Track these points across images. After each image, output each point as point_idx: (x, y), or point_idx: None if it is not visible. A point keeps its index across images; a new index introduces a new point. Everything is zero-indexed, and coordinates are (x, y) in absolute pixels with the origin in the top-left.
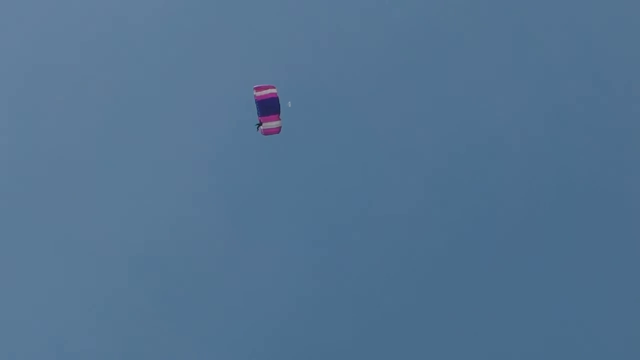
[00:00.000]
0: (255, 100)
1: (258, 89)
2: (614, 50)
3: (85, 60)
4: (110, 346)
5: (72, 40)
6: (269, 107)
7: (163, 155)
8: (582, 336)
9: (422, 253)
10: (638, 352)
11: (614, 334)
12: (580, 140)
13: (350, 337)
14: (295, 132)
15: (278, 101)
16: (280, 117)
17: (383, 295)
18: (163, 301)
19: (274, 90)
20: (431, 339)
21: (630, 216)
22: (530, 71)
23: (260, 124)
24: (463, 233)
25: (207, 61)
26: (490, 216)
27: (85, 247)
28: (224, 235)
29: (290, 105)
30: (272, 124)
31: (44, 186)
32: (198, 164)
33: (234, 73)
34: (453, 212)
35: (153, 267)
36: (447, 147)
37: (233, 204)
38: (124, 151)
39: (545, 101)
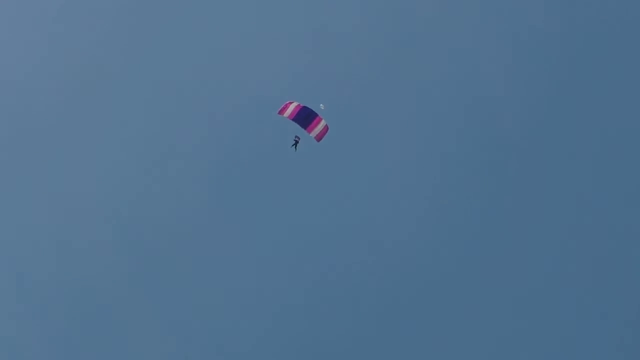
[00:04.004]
0: (290, 119)
1: (282, 111)
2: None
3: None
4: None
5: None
6: (306, 117)
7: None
8: None
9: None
10: None
11: None
12: None
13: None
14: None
15: (308, 108)
16: (321, 115)
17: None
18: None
19: (296, 103)
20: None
21: None
22: None
23: (296, 142)
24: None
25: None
26: None
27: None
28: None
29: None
30: (320, 127)
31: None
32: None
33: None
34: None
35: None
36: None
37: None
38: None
39: None
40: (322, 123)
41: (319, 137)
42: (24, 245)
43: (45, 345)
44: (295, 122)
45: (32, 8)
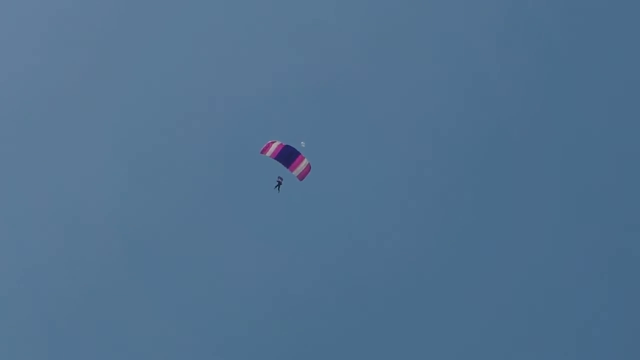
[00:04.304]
0: (273, 158)
1: (264, 150)
2: None
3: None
4: None
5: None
6: (288, 155)
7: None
8: None
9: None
10: None
11: None
12: None
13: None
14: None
15: (290, 147)
16: (303, 154)
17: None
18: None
19: (278, 143)
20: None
21: None
22: None
23: (279, 184)
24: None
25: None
26: None
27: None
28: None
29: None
30: (302, 166)
31: None
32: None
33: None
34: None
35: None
36: None
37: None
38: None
39: None
40: (305, 162)
41: (301, 176)
42: (20, 241)
43: (39, 336)
44: (278, 160)
45: (28, 7)
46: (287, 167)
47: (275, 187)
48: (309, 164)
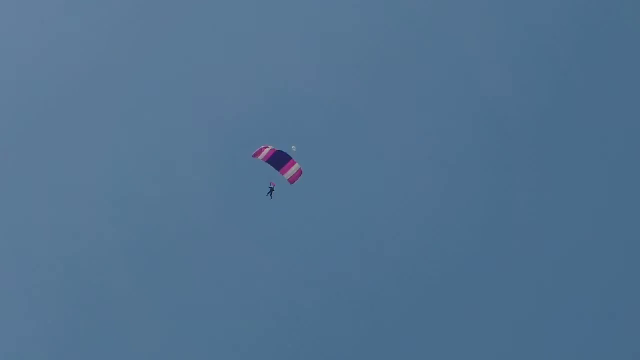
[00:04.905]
0: (264, 161)
1: (257, 154)
2: None
3: None
4: None
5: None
6: (280, 159)
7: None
8: None
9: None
10: None
11: None
12: None
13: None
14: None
15: (282, 152)
16: (295, 159)
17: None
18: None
19: (271, 147)
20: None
21: None
22: None
23: (272, 190)
24: None
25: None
26: None
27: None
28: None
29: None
30: (293, 170)
31: None
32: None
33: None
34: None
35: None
36: None
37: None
38: None
39: None
40: (296, 166)
41: (292, 180)
42: (31, 243)
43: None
44: (270, 164)
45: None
46: (279, 171)
47: (268, 193)
48: (300, 168)
